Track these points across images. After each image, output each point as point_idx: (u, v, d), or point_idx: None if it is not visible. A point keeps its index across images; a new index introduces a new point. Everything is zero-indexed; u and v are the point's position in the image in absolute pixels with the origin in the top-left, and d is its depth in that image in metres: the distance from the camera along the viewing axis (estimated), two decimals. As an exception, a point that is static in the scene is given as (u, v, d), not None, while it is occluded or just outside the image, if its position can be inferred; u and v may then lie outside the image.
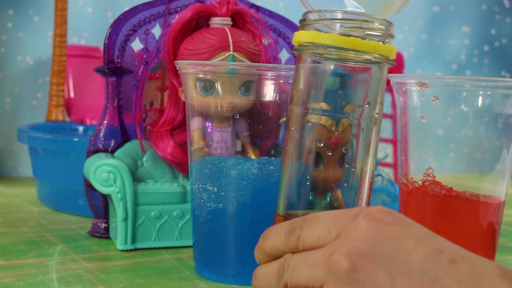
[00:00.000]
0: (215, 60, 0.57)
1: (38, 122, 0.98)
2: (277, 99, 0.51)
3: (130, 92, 0.63)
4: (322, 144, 0.45)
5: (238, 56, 0.58)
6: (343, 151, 0.46)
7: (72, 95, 0.99)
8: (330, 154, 0.46)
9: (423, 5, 1.25)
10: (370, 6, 0.45)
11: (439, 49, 1.27)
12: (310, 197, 0.45)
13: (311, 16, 0.43)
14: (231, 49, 0.58)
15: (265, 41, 0.63)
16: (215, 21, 0.60)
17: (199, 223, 0.52)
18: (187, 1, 0.64)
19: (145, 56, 0.63)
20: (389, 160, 0.87)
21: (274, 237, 0.39)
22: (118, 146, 0.63)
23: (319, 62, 0.43)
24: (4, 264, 0.54)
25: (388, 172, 0.85)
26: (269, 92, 0.51)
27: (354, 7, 0.44)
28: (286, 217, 0.44)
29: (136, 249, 0.61)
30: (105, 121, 0.63)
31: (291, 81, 0.50)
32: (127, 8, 0.65)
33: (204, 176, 0.51)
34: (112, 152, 0.63)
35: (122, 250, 0.60)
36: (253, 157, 0.54)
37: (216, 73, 0.51)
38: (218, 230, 0.51)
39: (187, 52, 0.58)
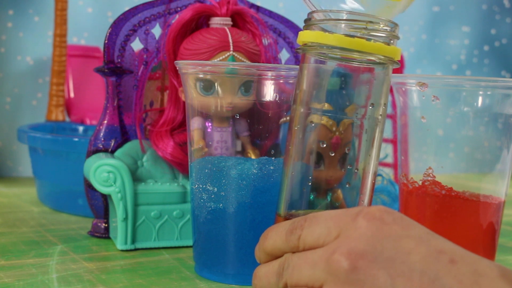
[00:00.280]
0: (215, 60, 0.57)
1: (38, 122, 0.98)
2: (277, 99, 0.51)
3: (130, 92, 0.63)
4: (323, 145, 0.45)
5: (238, 56, 0.58)
6: (345, 151, 0.46)
7: (72, 95, 0.99)
8: (331, 154, 0.46)
9: (423, 5, 1.25)
10: (370, 5, 0.45)
11: (439, 49, 1.27)
12: (311, 197, 0.45)
13: (316, 16, 0.43)
14: (231, 49, 0.58)
15: (265, 41, 0.63)
16: (215, 21, 0.60)
17: (199, 223, 0.52)
18: (187, 1, 0.64)
19: (145, 56, 0.63)
20: (389, 160, 0.87)
21: (274, 237, 0.39)
22: (118, 146, 0.63)
23: (323, 62, 0.43)
24: (4, 264, 0.54)
25: (388, 172, 0.86)
26: (269, 92, 0.51)
27: (355, 6, 0.44)
28: (287, 218, 0.44)
29: (136, 249, 0.61)
30: (105, 121, 0.63)
31: (291, 81, 0.50)
32: (127, 8, 0.65)
33: (204, 176, 0.51)
34: (112, 152, 0.63)
35: (122, 250, 0.60)
36: (253, 157, 0.54)
37: (216, 73, 0.51)
38: (218, 230, 0.51)
39: (187, 52, 0.58)
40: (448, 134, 0.54)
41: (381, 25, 0.42)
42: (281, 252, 0.39)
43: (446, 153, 0.54)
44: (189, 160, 0.54)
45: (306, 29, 0.43)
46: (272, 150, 0.53)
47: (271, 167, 0.50)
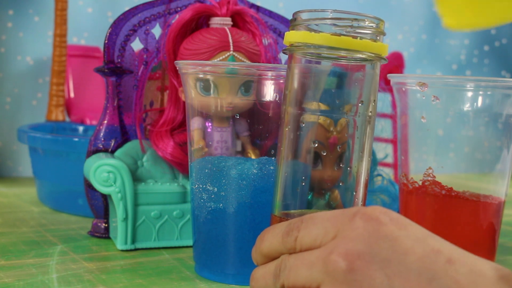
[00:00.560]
0: (215, 60, 0.57)
1: (38, 122, 0.98)
2: (277, 99, 0.51)
3: (130, 92, 0.63)
4: (320, 144, 0.45)
5: (238, 56, 0.58)
6: (343, 151, 0.46)
7: (72, 95, 0.99)
8: (329, 154, 0.46)
9: (423, 5, 1.25)
10: None
11: (439, 49, 1.27)
12: (309, 197, 0.45)
13: (302, 16, 0.43)
14: (231, 49, 0.58)
15: (265, 41, 0.63)
16: (215, 21, 0.60)
17: (199, 223, 0.52)
18: (187, 1, 0.64)
19: (145, 56, 0.63)
20: (389, 160, 0.87)
21: (271, 238, 0.39)
22: (118, 146, 0.63)
23: (310, 62, 0.43)
24: (4, 264, 0.54)
25: (388, 172, 0.85)
26: (269, 92, 0.51)
27: None
28: (282, 218, 0.44)
29: (136, 249, 0.61)
30: (105, 121, 0.63)
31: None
32: (127, 8, 0.65)
33: (204, 176, 0.51)
34: (112, 152, 0.63)
35: (122, 250, 0.60)
36: (253, 157, 0.54)
37: (216, 73, 0.51)
38: (218, 230, 0.51)
39: (187, 52, 0.58)
40: (448, 134, 0.54)
41: (367, 22, 0.42)
42: (277, 254, 0.39)
43: (446, 153, 0.54)
44: (189, 160, 0.54)
45: (292, 30, 0.43)
46: (272, 150, 0.53)
47: (271, 167, 0.50)
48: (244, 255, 0.50)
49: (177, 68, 0.54)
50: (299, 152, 0.44)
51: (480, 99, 0.52)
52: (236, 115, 0.53)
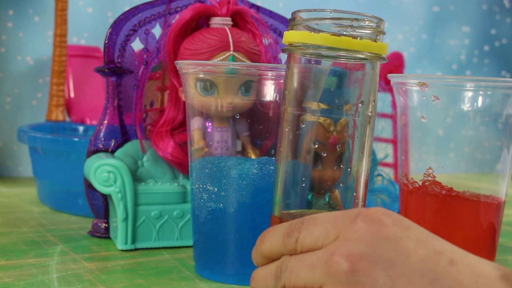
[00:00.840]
0: (215, 60, 0.57)
1: (38, 122, 0.98)
2: (277, 99, 0.51)
3: (130, 92, 0.63)
4: (320, 144, 0.45)
5: (238, 56, 0.58)
6: (343, 151, 0.46)
7: (72, 95, 0.99)
8: (329, 154, 0.46)
9: (423, 5, 1.25)
10: None
11: (439, 49, 1.27)
12: (309, 197, 0.45)
13: (301, 15, 0.43)
14: (231, 49, 0.58)
15: (265, 41, 0.63)
16: (215, 21, 0.60)
17: (199, 223, 0.52)
18: (187, 1, 0.64)
19: (145, 56, 0.63)
20: (389, 160, 0.87)
21: (271, 240, 0.39)
22: (118, 146, 0.63)
23: (310, 62, 0.43)
24: (4, 264, 0.54)
25: (388, 172, 0.85)
26: (269, 92, 0.51)
27: None
28: (282, 218, 0.44)
29: (136, 249, 0.61)
30: (105, 121, 0.63)
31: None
32: (127, 8, 0.65)
33: (204, 176, 0.51)
34: (112, 152, 0.63)
35: (122, 250, 0.60)
36: (253, 157, 0.54)
37: (216, 73, 0.51)
38: (218, 230, 0.51)
39: (187, 52, 0.59)
40: (448, 134, 0.54)
41: (367, 22, 0.41)
42: (278, 255, 0.39)
43: (446, 153, 0.54)
44: (189, 160, 0.54)
45: (291, 29, 0.43)
46: (273, 150, 0.53)
47: (271, 167, 0.50)
48: (244, 255, 0.50)
49: (177, 68, 0.54)
50: (298, 152, 0.44)
51: (480, 99, 0.52)
52: (236, 115, 0.53)
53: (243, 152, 0.55)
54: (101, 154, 0.62)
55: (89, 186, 0.63)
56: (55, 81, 0.94)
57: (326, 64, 0.43)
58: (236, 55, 0.58)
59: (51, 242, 0.62)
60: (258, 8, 0.66)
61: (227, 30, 0.59)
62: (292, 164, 0.44)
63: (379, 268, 0.33)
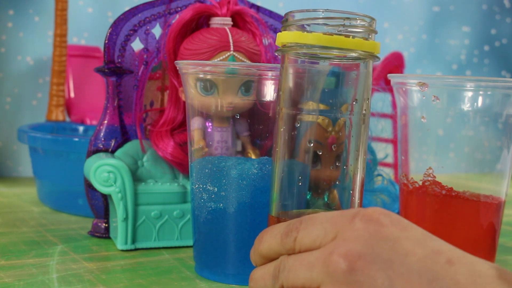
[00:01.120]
0: (216, 60, 0.57)
1: (38, 122, 0.98)
2: (277, 99, 0.51)
3: (130, 92, 0.63)
4: (319, 144, 0.45)
5: (238, 56, 0.58)
6: (341, 150, 0.46)
7: (72, 95, 0.99)
8: (327, 153, 0.46)
9: (423, 5, 1.25)
10: None
11: (439, 49, 1.27)
12: (308, 197, 0.45)
13: (294, 16, 0.43)
14: (232, 49, 0.58)
15: (265, 41, 0.63)
16: (215, 21, 0.60)
17: (199, 223, 0.52)
18: (187, 1, 0.64)
19: (145, 56, 0.63)
20: (389, 160, 0.87)
21: (270, 239, 0.39)
22: (119, 146, 0.63)
23: (303, 62, 0.43)
24: (5, 264, 0.54)
25: (388, 172, 0.85)
26: (269, 92, 0.51)
27: None
28: (279, 218, 0.44)
29: (136, 249, 0.61)
30: (105, 121, 0.63)
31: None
32: (127, 8, 0.65)
33: (204, 176, 0.51)
34: (112, 152, 0.63)
35: (122, 250, 0.60)
36: (253, 157, 0.54)
37: (216, 73, 0.51)
38: (218, 230, 0.51)
39: (187, 52, 0.59)
40: (448, 134, 0.54)
41: (358, 21, 0.42)
42: (276, 255, 0.39)
43: (446, 153, 0.54)
44: (189, 160, 0.54)
45: (284, 30, 0.43)
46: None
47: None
48: (244, 255, 0.50)
49: (177, 68, 0.54)
50: (295, 152, 0.44)
51: (480, 99, 0.52)
52: (236, 115, 0.53)
53: (243, 152, 0.55)
54: (101, 154, 0.62)
55: (89, 186, 0.63)
56: (55, 81, 0.94)
57: (324, 64, 0.43)
58: (236, 55, 0.58)
59: (51, 242, 0.62)
60: (258, 8, 0.66)
61: (227, 30, 0.59)
62: (288, 164, 0.44)
63: (377, 267, 0.33)
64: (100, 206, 0.64)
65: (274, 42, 0.65)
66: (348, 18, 0.41)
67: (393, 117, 0.85)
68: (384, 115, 0.84)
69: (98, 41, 1.01)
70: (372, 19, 0.42)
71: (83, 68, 1.00)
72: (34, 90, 1.02)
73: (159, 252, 0.60)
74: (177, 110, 0.61)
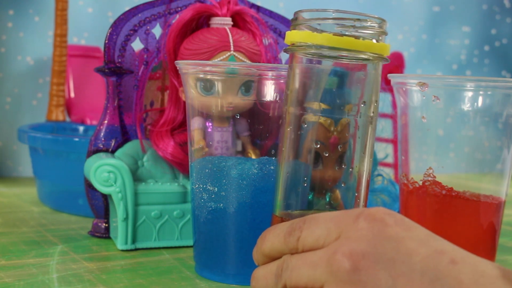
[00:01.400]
0: (216, 60, 0.57)
1: (39, 122, 0.98)
2: (277, 99, 0.51)
3: (130, 92, 0.63)
4: (321, 144, 0.45)
5: (238, 56, 0.58)
6: (343, 151, 0.46)
7: (72, 95, 0.99)
8: (330, 154, 0.46)
9: (423, 5, 1.25)
10: None
11: (440, 49, 1.27)
12: (310, 197, 0.45)
13: (304, 15, 0.43)
14: (232, 49, 0.58)
15: (266, 41, 0.63)
16: (216, 21, 0.60)
17: (200, 223, 0.52)
18: (187, 1, 0.64)
19: (145, 56, 0.63)
20: (390, 160, 0.87)
21: (272, 239, 0.39)
22: (119, 146, 0.63)
23: (312, 62, 0.43)
24: (5, 264, 0.54)
25: (388, 172, 0.85)
26: (269, 92, 0.51)
27: None
28: (283, 218, 0.44)
29: (136, 249, 0.61)
30: (106, 121, 0.63)
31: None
32: (127, 8, 0.65)
33: (204, 176, 0.51)
34: (113, 152, 0.63)
35: (122, 250, 0.60)
36: (253, 157, 0.54)
37: (216, 73, 0.51)
38: (218, 230, 0.51)
39: (187, 52, 0.59)
40: (448, 134, 0.54)
41: (369, 22, 0.41)
42: (279, 254, 0.39)
43: (447, 153, 0.54)
44: (189, 160, 0.54)
45: (293, 29, 0.43)
46: (273, 150, 0.53)
47: (272, 167, 0.50)
48: (245, 255, 0.50)
49: (178, 68, 0.54)
50: (300, 152, 0.44)
51: (480, 99, 0.52)
52: (237, 115, 0.53)
53: (243, 152, 0.55)
54: (101, 154, 0.62)
55: (89, 186, 0.63)
56: (55, 81, 0.94)
57: (327, 64, 0.43)
58: (236, 55, 0.58)
59: (51, 242, 0.62)
60: (258, 8, 0.66)
61: (227, 30, 0.59)
62: (293, 164, 0.44)
63: (380, 267, 0.33)
64: (100, 206, 0.64)
65: (275, 42, 0.65)
66: (358, 19, 0.41)
67: (393, 117, 0.85)
68: (384, 115, 0.84)
69: (98, 41, 1.01)
70: (383, 20, 0.42)
71: (83, 68, 1.00)
72: (34, 90, 1.02)
73: (159, 252, 0.60)
74: (177, 110, 0.61)
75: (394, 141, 0.86)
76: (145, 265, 0.56)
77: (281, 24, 0.67)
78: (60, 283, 0.50)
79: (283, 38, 0.66)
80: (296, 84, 0.43)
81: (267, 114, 0.51)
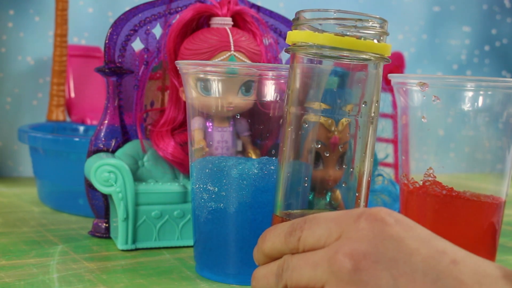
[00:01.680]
0: (216, 60, 0.57)
1: (39, 122, 0.98)
2: (277, 99, 0.51)
3: (130, 92, 0.63)
4: (321, 144, 0.45)
5: (238, 56, 0.58)
6: (344, 151, 0.46)
7: (72, 95, 0.99)
8: (330, 154, 0.46)
9: (424, 5, 1.25)
10: None
11: (440, 49, 1.27)
12: (310, 197, 0.45)
13: (305, 15, 0.43)
14: (232, 49, 0.58)
15: (266, 41, 0.63)
16: (216, 21, 0.60)
17: (200, 223, 0.52)
18: (187, 1, 0.64)
19: (145, 56, 0.63)
20: (390, 160, 0.87)
21: (273, 238, 0.39)
22: (119, 146, 0.63)
23: (313, 62, 0.43)
24: (5, 264, 0.54)
25: (388, 172, 0.85)
26: (269, 92, 0.51)
27: None
28: (284, 218, 0.44)
29: (136, 249, 0.61)
30: (106, 121, 0.63)
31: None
32: (127, 8, 0.65)
33: (204, 176, 0.51)
34: (113, 152, 0.63)
35: (122, 250, 0.60)
36: (253, 157, 0.54)
37: (216, 73, 0.51)
38: (218, 230, 0.51)
39: (187, 52, 0.59)
40: (448, 134, 0.54)
41: (370, 23, 0.41)
42: (280, 254, 0.39)
43: (447, 153, 0.54)
44: (189, 160, 0.54)
45: (295, 29, 0.43)
46: (273, 150, 0.53)
47: (272, 167, 0.50)
48: (245, 255, 0.50)
49: (178, 68, 0.54)
50: (301, 152, 0.44)
51: (480, 99, 0.52)
52: (237, 115, 0.53)
53: (244, 152, 0.55)
54: (102, 154, 0.62)
55: (90, 186, 0.63)
56: (55, 81, 0.94)
57: (327, 63, 0.43)
58: (236, 55, 0.58)
59: (51, 242, 0.62)
60: (258, 8, 0.66)
61: (228, 30, 0.59)
62: (294, 164, 0.44)
63: (382, 267, 0.33)
64: (101, 206, 0.64)
65: (275, 42, 0.65)
66: (360, 20, 0.41)
67: (393, 117, 0.85)
68: (384, 115, 0.84)
69: (99, 41, 1.01)
70: (384, 21, 0.42)
71: (84, 68, 1.00)
72: (34, 90, 1.02)
73: (160, 252, 0.60)
74: (178, 110, 0.61)
75: (394, 141, 0.86)
76: (146, 265, 0.56)
77: (281, 24, 0.67)
78: (60, 283, 0.50)
79: (284, 38, 0.66)
80: (297, 84, 0.43)
81: (267, 114, 0.51)
